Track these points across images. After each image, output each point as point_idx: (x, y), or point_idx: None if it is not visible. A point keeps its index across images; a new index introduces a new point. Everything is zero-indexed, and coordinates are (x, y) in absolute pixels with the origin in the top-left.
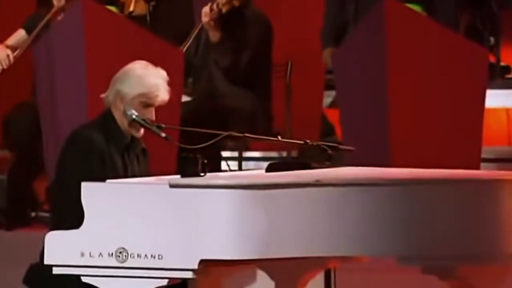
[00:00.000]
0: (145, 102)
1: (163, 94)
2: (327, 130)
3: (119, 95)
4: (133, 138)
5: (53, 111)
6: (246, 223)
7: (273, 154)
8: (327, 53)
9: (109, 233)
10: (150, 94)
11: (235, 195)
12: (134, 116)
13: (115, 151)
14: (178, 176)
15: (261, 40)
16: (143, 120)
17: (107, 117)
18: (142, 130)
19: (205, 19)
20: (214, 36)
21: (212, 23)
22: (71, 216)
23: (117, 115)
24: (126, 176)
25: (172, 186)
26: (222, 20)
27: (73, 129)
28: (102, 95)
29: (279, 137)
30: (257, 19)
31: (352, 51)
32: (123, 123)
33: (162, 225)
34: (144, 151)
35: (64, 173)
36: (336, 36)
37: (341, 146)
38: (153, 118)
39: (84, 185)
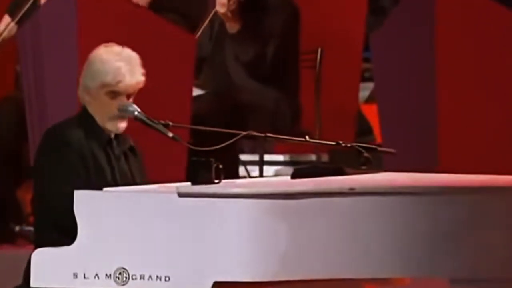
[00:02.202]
0: (110, 91)
1: (127, 78)
2: (364, 129)
3: (85, 89)
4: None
5: (40, 106)
6: (267, 238)
7: (300, 157)
8: None
9: (107, 251)
10: (112, 81)
11: (255, 206)
12: (136, 113)
13: (97, 147)
14: (188, 184)
15: (286, 28)
16: (147, 117)
17: (84, 113)
18: (123, 124)
19: (221, 9)
20: (233, 27)
21: (230, 14)
22: (52, 229)
23: (91, 109)
24: (113, 175)
25: (181, 195)
26: (241, 9)
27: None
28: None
29: (307, 138)
30: (281, 3)
31: (394, 35)
32: (101, 118)
33: (169, 241)
34: (132, 148)
35: (41, 176)
36: None
37: (380, 148)
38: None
39: (78, 194)
